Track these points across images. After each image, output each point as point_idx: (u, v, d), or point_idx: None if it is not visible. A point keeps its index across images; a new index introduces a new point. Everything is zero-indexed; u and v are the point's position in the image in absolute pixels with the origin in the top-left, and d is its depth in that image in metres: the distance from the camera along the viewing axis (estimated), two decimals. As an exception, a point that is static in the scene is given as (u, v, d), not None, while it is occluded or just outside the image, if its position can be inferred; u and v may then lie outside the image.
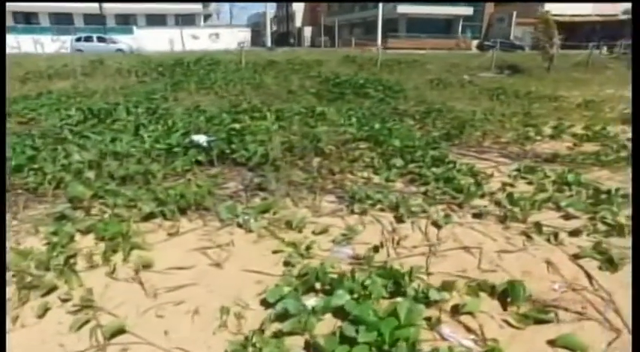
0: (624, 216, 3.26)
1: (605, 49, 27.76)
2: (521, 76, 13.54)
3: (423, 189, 3.72)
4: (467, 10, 39.14)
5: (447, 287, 2.33)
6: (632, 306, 2.11)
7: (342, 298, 2.20)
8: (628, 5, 30.89)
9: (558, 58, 15.92)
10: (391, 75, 12.18)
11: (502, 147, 5.17)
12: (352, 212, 3.32)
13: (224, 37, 39.11)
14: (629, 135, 5.84)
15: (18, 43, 31.17)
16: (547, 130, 5.98)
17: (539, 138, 5.64)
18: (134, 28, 37.31)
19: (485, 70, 14.73)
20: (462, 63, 16.22)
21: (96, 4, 36.68)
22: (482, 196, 3.58)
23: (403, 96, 8.40)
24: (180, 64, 12.60)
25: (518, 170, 4.19)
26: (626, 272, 2.57)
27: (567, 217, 3.27)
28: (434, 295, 2.19)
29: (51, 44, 33.69)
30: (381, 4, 34.53)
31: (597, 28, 35.16)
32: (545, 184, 3.82)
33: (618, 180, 4.07)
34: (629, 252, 2.78)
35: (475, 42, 37.71)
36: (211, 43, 37.65)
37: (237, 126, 5.34)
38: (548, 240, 2.91)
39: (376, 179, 4.00)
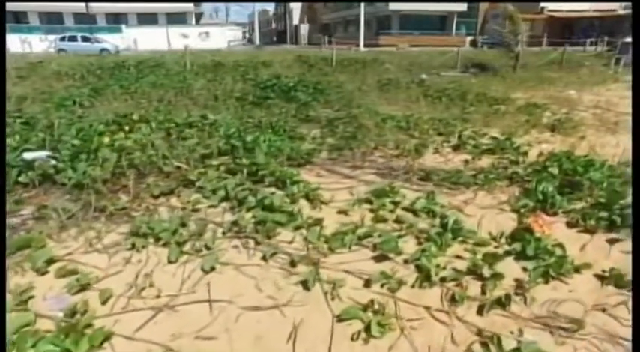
0: (446, 256, 2.71)
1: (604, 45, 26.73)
2: (485, 75, 12.80)
3: (236, 217, 3.19)
4: (461, 7, 38.18)
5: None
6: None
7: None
8: (627, 0, 29.80)
9: (534, 55, 15.18)
10: (342, 75, 11.58)
11: (387, 161, 4.60)
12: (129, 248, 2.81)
13: (214, 35, 38.69)
14: (544, 146, 5.26)
15: (5, 42, 30.99)
16: (456, 139, 5.39)
17: (439, 149, 5.07)
18: (123, 27, 37.02)
19: (451, 69, 14.01)
20: (428, 61, 15.51)
21: (89, 3, 36.56)
22: (298, 228, 3.04)
23: (330, 99, 7.82)
24: (121, 66, 12.11)
25: (373, 192, 3.63)
26: (386, 341, 2.03)
27: (381, 258, 2.72)
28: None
29: (39, 43, 33.60)
30: (363, 4, 33.76)
31: (595, 24, 34.00)
32: (386, 213, 3.26)
33: (482, 206, 3.50)
34: (417, 311, 2.24)
35: (469, 38, 36.78)
36: (201, 41, 37.25)
37: (106, 139, 4.87)
38: (326, 293, 2.37)
39: (204, 203, 3.47)
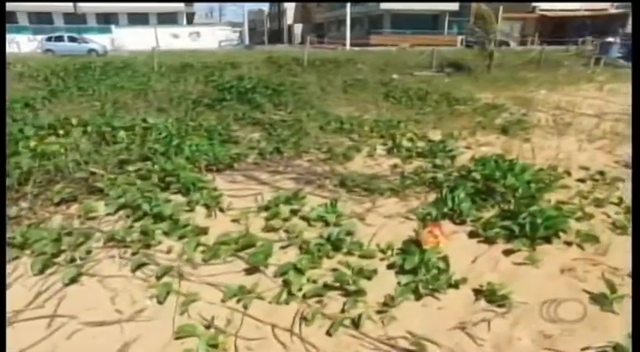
0: (322, 269, 2.61)
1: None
2: (460, 74, 12.67)
3: (123, 225, 3.10)
4: (453, 6, 38.04)
5: None
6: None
7: None
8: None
9: (514, 54, 15.06)
10: (311, 76, 11.47)
11: (312, 166, 4.49)
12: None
13: (205, 35, 38.54)
14: (484, 149, 5.15)
15: (-9, 42, 30.81)
16: (395, 141, 5.28)
17: (373, 152, 4.96)
18: (112, 27, 36.85)
19: (425, 69, 13.88)
20: (404, 61, 15.37)
21: (78, 3, 36.36)
22: (182, 237, 2.94)
23: (287, 101, 7.71)
24: (87, 68, 12.00)
25: (274, 200, 3.51)
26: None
27: (252, 271, 2.61)
28: None
29: (28, 44, 33.45)
30: (348, 3, 33.66)
31: (587, 24, 33.88)
32: (278, 222, 3.15)
33: (387, 214, 3.38)
34: (264, 330, 2.14)
35: (460, 37, 36.60)
36: (191, 41, 37.13)
37: (31, 144, 4.77)
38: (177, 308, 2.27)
39: (101, 211, 3.38)
